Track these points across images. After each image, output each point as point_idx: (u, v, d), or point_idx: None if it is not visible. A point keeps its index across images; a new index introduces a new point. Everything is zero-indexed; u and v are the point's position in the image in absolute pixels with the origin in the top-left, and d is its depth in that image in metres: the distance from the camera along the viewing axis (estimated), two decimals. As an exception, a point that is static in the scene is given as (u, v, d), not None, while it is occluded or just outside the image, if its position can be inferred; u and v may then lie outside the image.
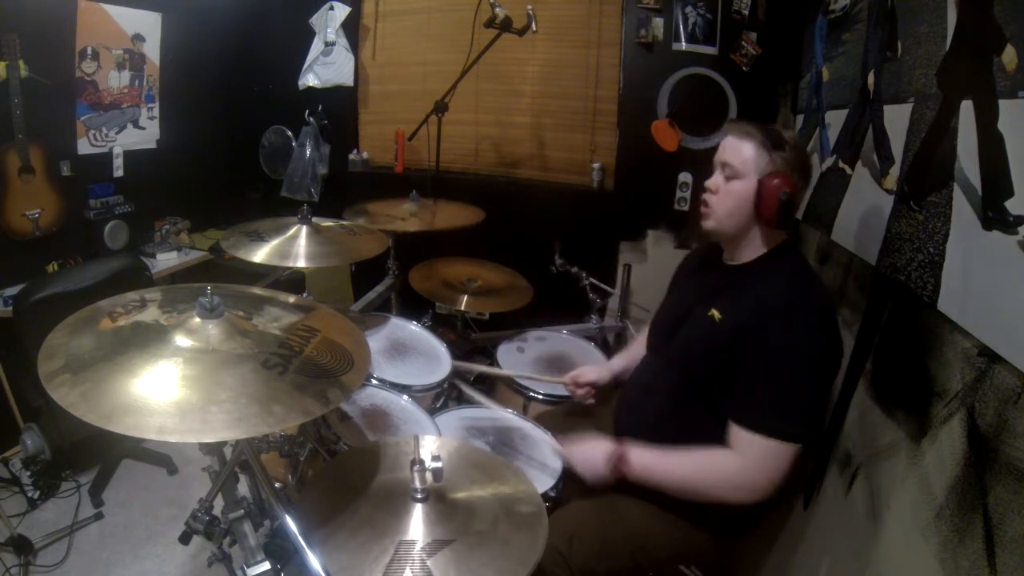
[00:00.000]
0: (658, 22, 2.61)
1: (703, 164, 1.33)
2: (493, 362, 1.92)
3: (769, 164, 1.21)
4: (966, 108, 1.05)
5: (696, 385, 1.27)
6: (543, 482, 1.37)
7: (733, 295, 1.25)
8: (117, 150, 2.82)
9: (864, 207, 1.50)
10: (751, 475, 1.15)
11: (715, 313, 1.24)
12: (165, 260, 2.91)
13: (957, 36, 1.13)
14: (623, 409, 1.47)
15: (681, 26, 2.59)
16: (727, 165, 1.26)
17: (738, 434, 1.16)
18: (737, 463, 1.15)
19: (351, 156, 3.18)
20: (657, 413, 1.34)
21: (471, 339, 2.27)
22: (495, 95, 2.98)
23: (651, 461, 1.24)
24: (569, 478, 1.38)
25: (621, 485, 1.26)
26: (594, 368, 1.65)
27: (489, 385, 1.99)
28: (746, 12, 2.49)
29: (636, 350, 1.63)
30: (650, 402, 1.37)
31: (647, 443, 1.35)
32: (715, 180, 1.29)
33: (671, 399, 1.32)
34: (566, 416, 1.67)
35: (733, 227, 1.28)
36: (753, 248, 1.28)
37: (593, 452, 1.30)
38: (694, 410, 1.28)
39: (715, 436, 1.21)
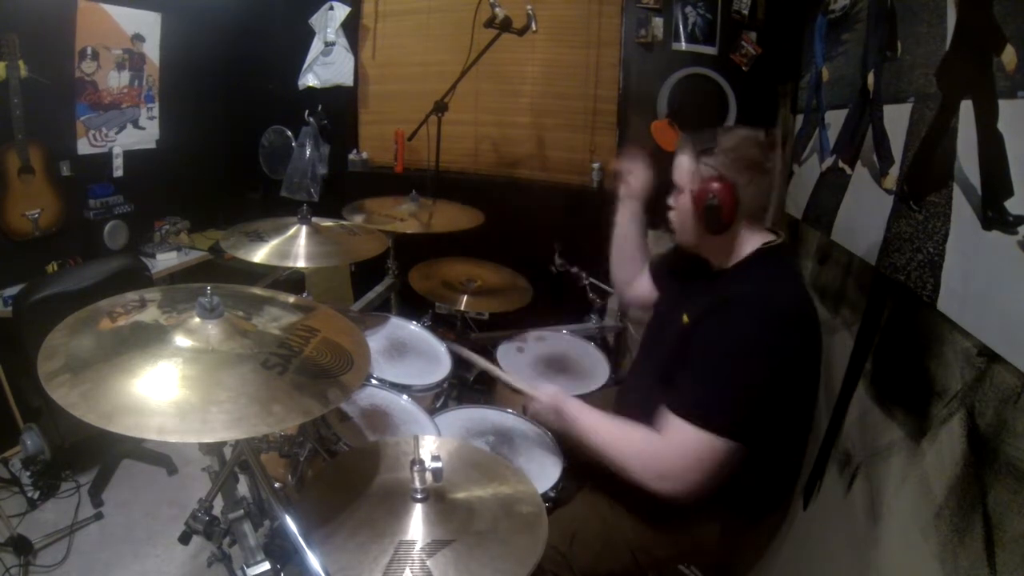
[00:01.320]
0: (658, 22, 2.61)
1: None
2: (493, 362, 1.92)
3: (696, 173, 1.23)
4: (966, 108, 1.05)
5: (669, 385, 1.27)
6: (543, 482, 1.37)
7: (705, 299, 1.24)
8: (117, 150, 2.82)
9: (864, 207, 1.50)
10: (668, 459, 1.11)
11: (684, 317, 1.25)
12: (165, 260, 2.91)
13: (957, 36, 1.13)
14: (621, 414, 1.46)
15: (681, 26, 2.59)
16: (674, 183, 1.31)
17: (664, 416, 1.13)
18: (657, 443, 1.12)
19: (351, 156, 3.18)
20: (652, 418, 1.33)
21: (471, 339, 2.27)
22: (495, 95, 2.98)
23: (584, 417, 1.28)
24: (569, 478, 1.38)
25: (607, 479, 1.25)
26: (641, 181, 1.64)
27: (489, 385, 1.99)
28: (746, 12, 2.49)
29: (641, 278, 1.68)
30: (647, 408, 1.35)
31: None
32: (672, 198, 1.34)
33: (653, 402, 1.31)
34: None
35: (691, 239, 1.31)
36: (727, 254, 1.29)
37: (544, 397, 1.36)
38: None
39: None
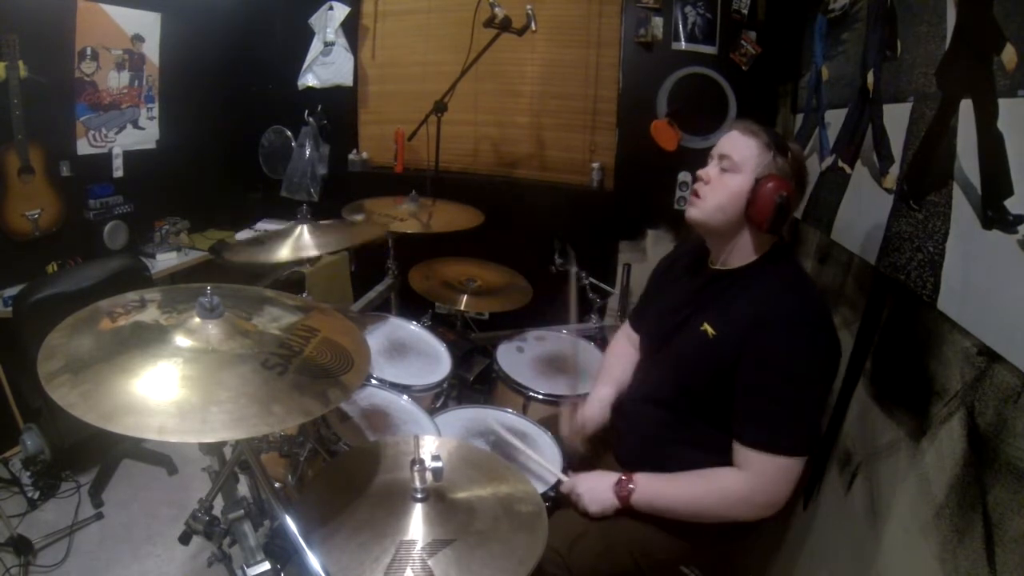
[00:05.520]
0: (657, 21, 2.61)
1: (702, 163, 1.32)
2: (493, 361, 1.92)
3: (771, 165, 1.19)
4: (966, 107, 1.05)
5: (692, 396, 1.26)
6: (543, 482, 1.37)
7: (724, 306, 1.22)
8: (117, 150, 2.82)
9: (864, 206, 1.50)
10: (761, 493, 1.15)
11: (708, 328, 1.22)
12: (165, 260, 2.91)
13: (957, 35, 1.13)
14: (620, 417, 1.46)
15: (680, 25, 2.59)
16: (725, 157, 1.23)
17: (744, 453, 1.15)
18: (746, 482, 1.15)
19: (351, 156, 3.18)
20: (654, 422, 1.34)
21: (471, 339, 2.27)
22: (494, 95, 2.98)
23: (658, 486, 1.23)
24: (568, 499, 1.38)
25: (625, 512, 1.25)
26: (591, 412, 1.46)
27: (489, 385, 1.99)
28: (745, 11, 2.49)
29: (616, 368, 1.54)
30: (647, 411, 1.36)
31: (644, 450, 1.35)
32: (709, 170, 1.26)
33: (667, 409, 1.31)
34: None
35: (721, 223, 1.24)
36: (742, 252, 1.26)
37: (600, 480, 1.28)
38: (690, 419, 1.27)
39: (712, 444, 1.21)
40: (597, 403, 1.47)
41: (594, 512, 1.26)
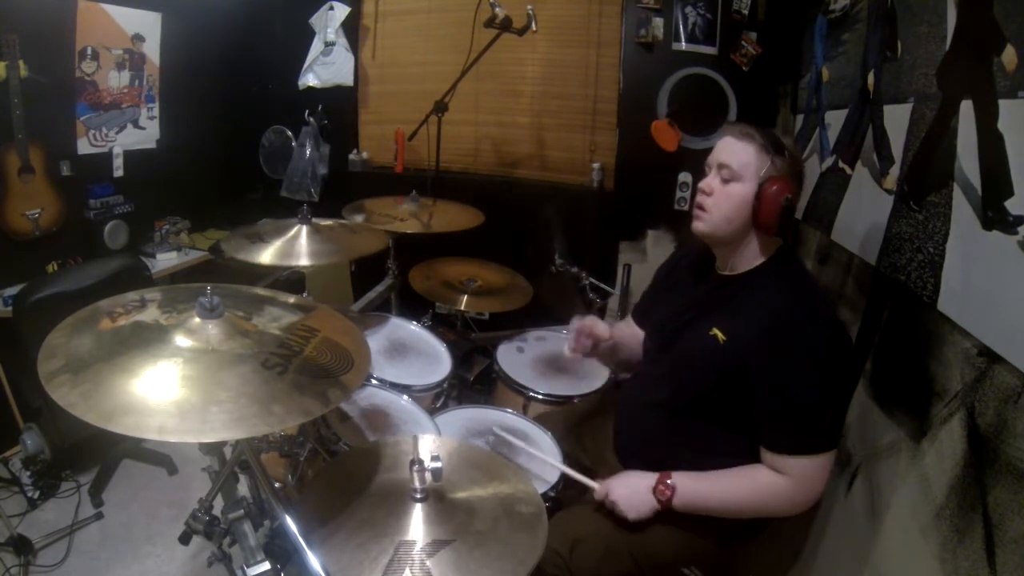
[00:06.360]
0: (658, 22, 2.61)
1: (703, 164, 1.31)
2: (493, 361, 1.92)
3: (771, 167, 1.18)
4: (966, 108, 1.05)
5: (694, 398, 1.26)
6: (543, 482, 1.37)
7: (733, 310, 1.21)
8: (117, 150, 2.82)
9: (864, 207, 1.50)
10: (803, 493, 1.16)
11: (717, 333, 1.20)
12: (165, 260, 2.91)
13: (957, 36, 1.13)
14: (621, 417, 1.46)
15: (681, 26, 2.59)
16: (725, 166, 1.22)
17: (780, 460, 1.16)
18: (787, 485, 1.16)
19: (351, 156, 3.18)
20: (653, 422, 1.34)
21: (471, 339, 2.27)
22: (495, 95, 2.98)
23: (697, 487, 1.22)
24: (570, 484, 1.38)
25: (661, 515, 1.24)
26: (601, 324, 1.54)
27: (489, 385, 1.99)
28: (746, 12, 2.49)
29: (624, 328, 1.60)
30: (647, 411, 1.36)
31: (643, 449, 1.35)
32: (711, 182, 1.24)
33: (667, 410, 1.31)
34: (566, 418, 1.66)
35: (729, 232, 1.23)
36: (749, 257, 1.25)
37: (637, 485, 1.26)
38: (690, 420, 1.27)
39: (711, 445, 1.22)
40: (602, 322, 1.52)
41: (632, 519, 1.24)
